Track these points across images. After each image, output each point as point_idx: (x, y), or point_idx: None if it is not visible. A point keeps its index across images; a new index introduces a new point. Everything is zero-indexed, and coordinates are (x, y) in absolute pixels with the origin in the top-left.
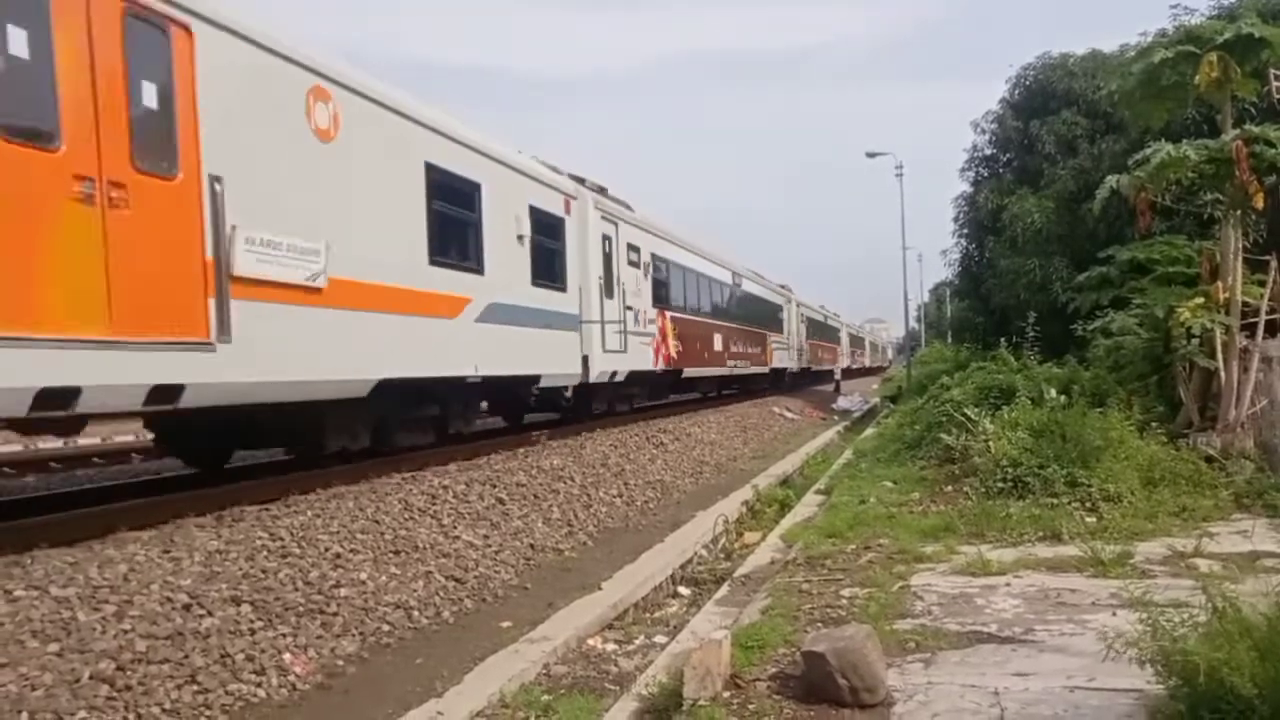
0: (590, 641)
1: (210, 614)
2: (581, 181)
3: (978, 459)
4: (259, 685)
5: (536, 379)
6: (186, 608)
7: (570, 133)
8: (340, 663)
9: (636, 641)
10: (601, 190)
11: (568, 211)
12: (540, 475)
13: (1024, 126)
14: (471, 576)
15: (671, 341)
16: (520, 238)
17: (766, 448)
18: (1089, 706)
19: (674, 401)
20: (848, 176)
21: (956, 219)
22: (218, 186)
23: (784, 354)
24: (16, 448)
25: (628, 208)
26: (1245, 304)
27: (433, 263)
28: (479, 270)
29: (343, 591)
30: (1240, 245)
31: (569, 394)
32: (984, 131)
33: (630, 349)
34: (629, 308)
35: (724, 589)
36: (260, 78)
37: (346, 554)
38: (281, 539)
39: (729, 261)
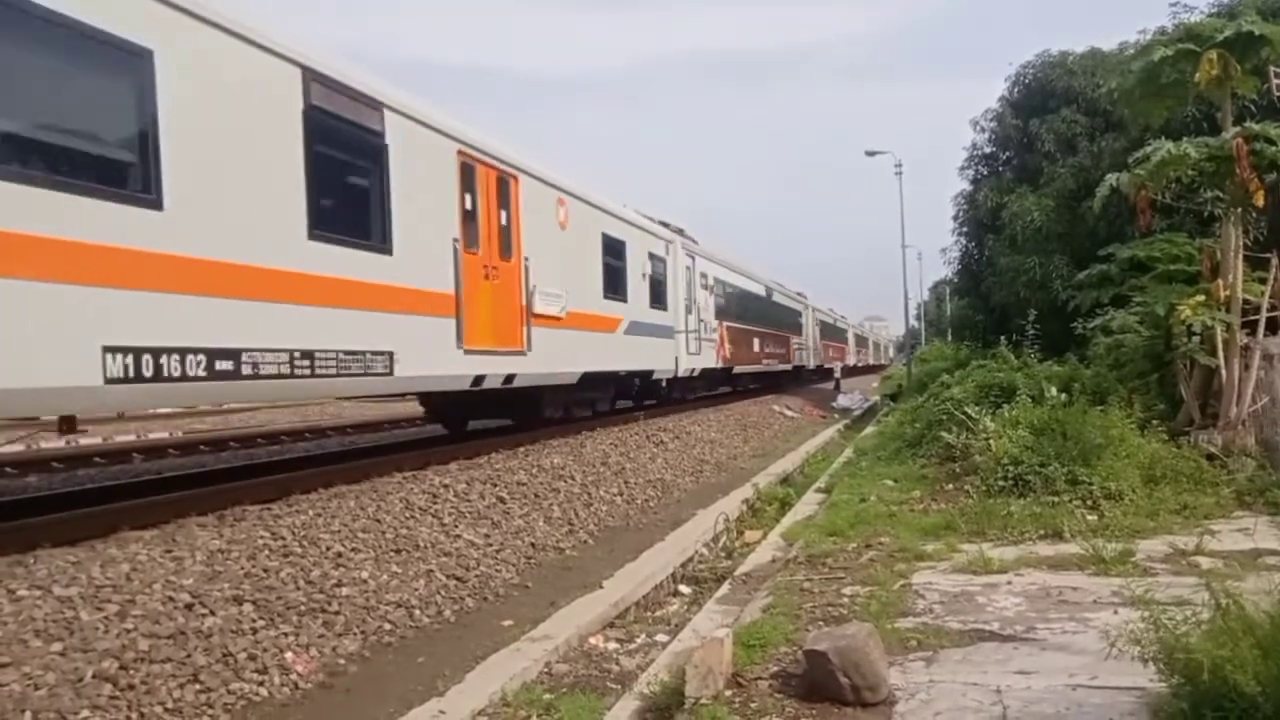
0: (592, 640)
1: (212, 613)
2: (666, 225)
3: (978, 457)
4: (261, 684)
5: (651, 373)
6: (189, 607)
7: (570, 132)
8: (342, 661)
9: (638, 640)
10: (681, 232)
11: (667, 253)
12: (541, 474)
13: (1023, 125)
14: (473, 575)
15: (727, 345)
16: (644, 275)
17: (767, 446)
18: (1091, 705)
19: (680, 400)
20: (847, 175)
21: (956, 217)
22: (527, 263)
23: (802, 353)
24: (19, 448)
25: (694, 241)
26: (1246, 301)
27: (605, 296)
28: (625, 300)
29: (344, 590)
30: (1241, 243)
31: (664, 384)
32: (983, 130)
33: (702, 352)
34: (701, 320)
35: (725, 587)
36: (543, 198)
37: (348, 553)
38: (283, 538)
39: (763, 278)
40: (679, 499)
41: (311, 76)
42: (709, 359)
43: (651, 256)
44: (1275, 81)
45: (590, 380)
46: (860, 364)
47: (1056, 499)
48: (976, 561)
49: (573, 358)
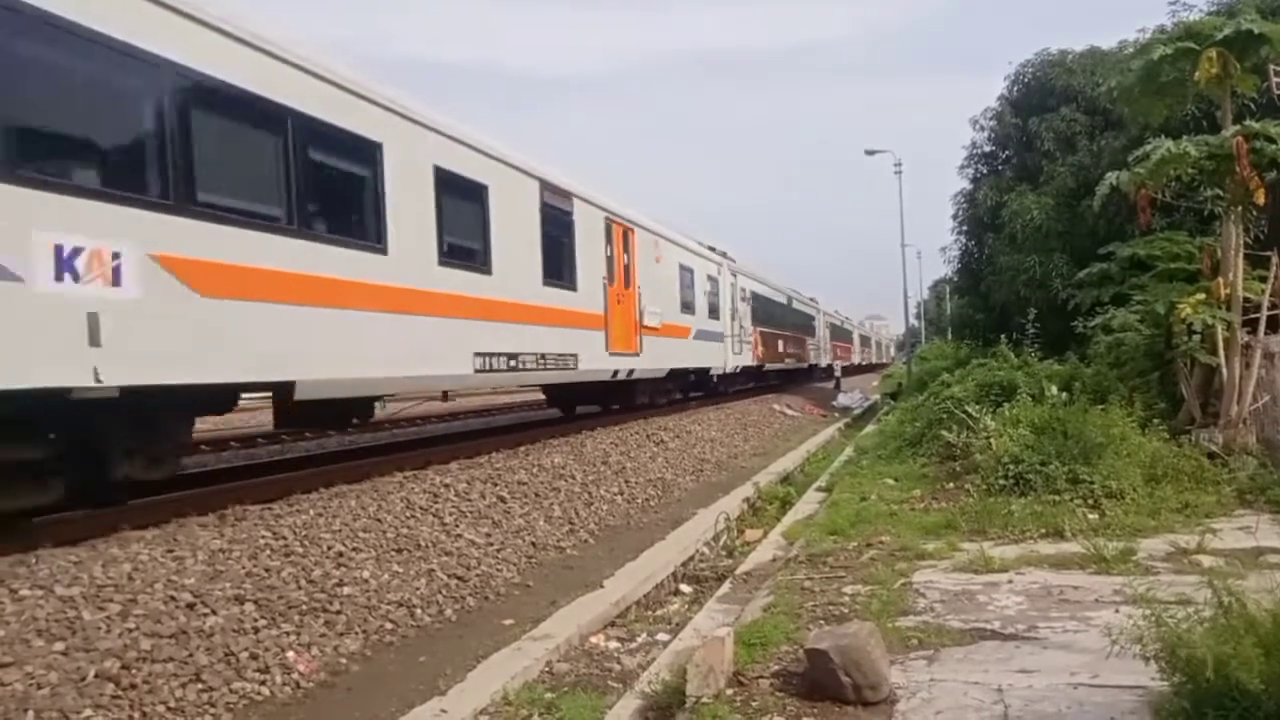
0: (593, 639)
1: (214, 612)
2: (713, 249)
3: (979, 456)
4: (263, 683)
5: (708, 370)
6: (190, 606)
7: (567, 131)
8: (344, 661)
9: (639, 639)
10: (725, 254)
11: (718, 274)
12: (541, 473)
13: (1023, 123)
14: (474, 574)
15: (760, 346)
16: (704, 293)
17: (767, 445)
18: (1093, 703)
19: (685, 399)
20: (847, 174)
21: (956, 216)
22: (640, 290)
23: (816, 352)
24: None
25: (733, 260)
26: (1246, 299)
27: (682, 311)
28: (693, 313)
29: (346, 590)
30: (1241, 241)
31: (715, 379)
32: (983, 129)
33: (743, 352)
34: (741, 326)
35: (726, 586)
36: (646, 242)
37: (349, 552)
38: (284, 538)
39: (784, 287)
40: (679, 498)
41: (543, 185)
42: (747, 358)
43: (709, 278)
44: (1275, 80)
45: (672, 375)
46: (864, 362)
47: (1057, 498)
48: (977, 560)
49: (664, 358)
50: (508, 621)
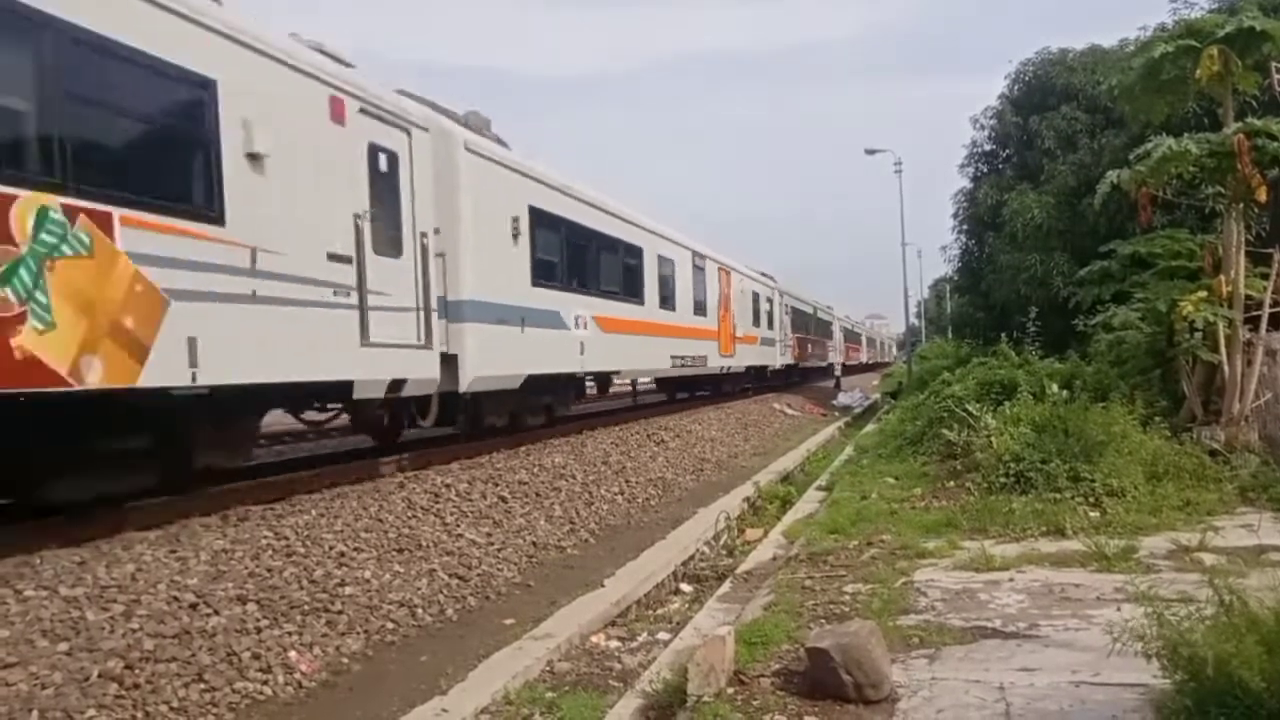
0: (594, 638)
1: (217, 613)
2: (764, 274)
3: (980, 454)
4: (265, 683)
5: (766, 368)
6: (193, 607)
7: (570, 133)
8: (345, 660)
9: (640, 638)
10: (772, 277)
11: (772, 294)
12: (542, 473)
13: (1023, 122)
14: (475, 574)
15: (795, 349)
16: (765, 310)
17: (767, 444)
18: (1094, 701)
19: (682, 399)
20: (847, 172)
21: (956, 215)
22: (734, 311)
23: (834, 353)
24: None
25: (774, 279)
26: (1248, 297)
27: (753, 323)
28: (759, 325)
29: (347, 590)
30: (1243, 238)
31: (769, 373)
32: (983, 127)
33: (785, 354)
34: (785, 333)
35: (726, 585)
36: (738, 279)
37: (351, 552)
38: (286, 538)
39: (813, 301)
40: (680, 497)
41: (694, 254)
42: (788, 357)
43: (766, 299)
44: (1276, 77)
45: (748, 370)
46: (871, 360)
47: (1058, 496)
48: (978, 559)
49: (745, 359)
50: (509, 621)
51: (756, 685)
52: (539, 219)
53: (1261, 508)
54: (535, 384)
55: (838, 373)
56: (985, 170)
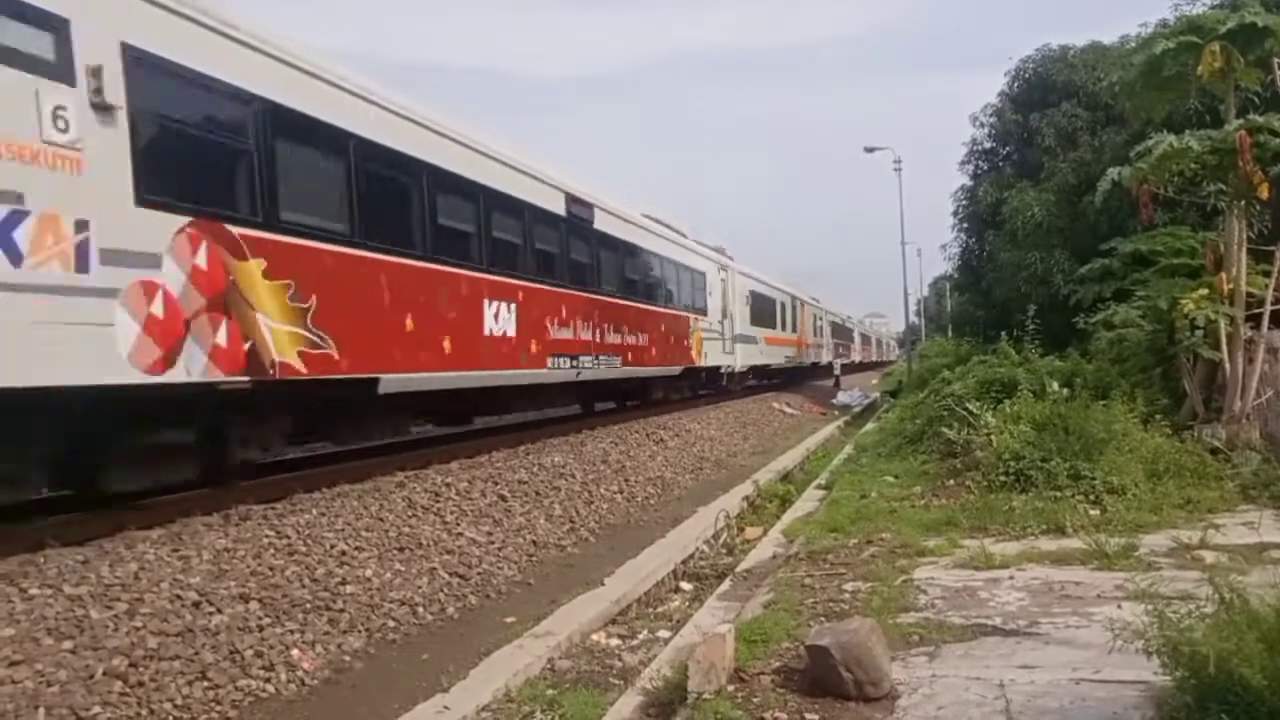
0: (594, 636)
1: (219, 611)
2: (815, 299)
3: (980, 453)
4: (268, 681)
5: (813, 363)
6: (196, 605)
7: (568, 133)
8: (347, 658)
9: (640, 636)
10: (812, 297)
11: (817, 310)
12: (541, 472)
13: (1023, 119)
14: (475, 573)
15: (828, 349)
16: (815, 324)
17: (766, 443)
18: (1095, 698)
19: (678, 400)
20: (846, 171)
21: (956, 213)
22: (805, 325)
23: (852, 352)
24: None
25: (817, 300)
26: (1250, 295)
27: (812, 334)
28: (795, 331)
29: (349, 588)
30: (1244, 236)
31: (810, 366)
32: (983, 125)
33: (821, 355)
34: (826, 339)
35: (726, 584)
36: (808, 306)
37: (352, 551)
38: (288, 537)
39: (839, 312)
40: (679, 496)
41: (793, 298)
42: (827, 357)
43: (814, 315)
44: (1279, 73)
45: (812, 366)
46: (878, 359)
47: (1059, 494)
48: (978, 557)
49: (809, 357)
50: (509, 619)
51: (757, 683)
52: (752, 295)
53: (1263, 505)
54: (756, 370)
55: (837, 372)
56: (985, 168)
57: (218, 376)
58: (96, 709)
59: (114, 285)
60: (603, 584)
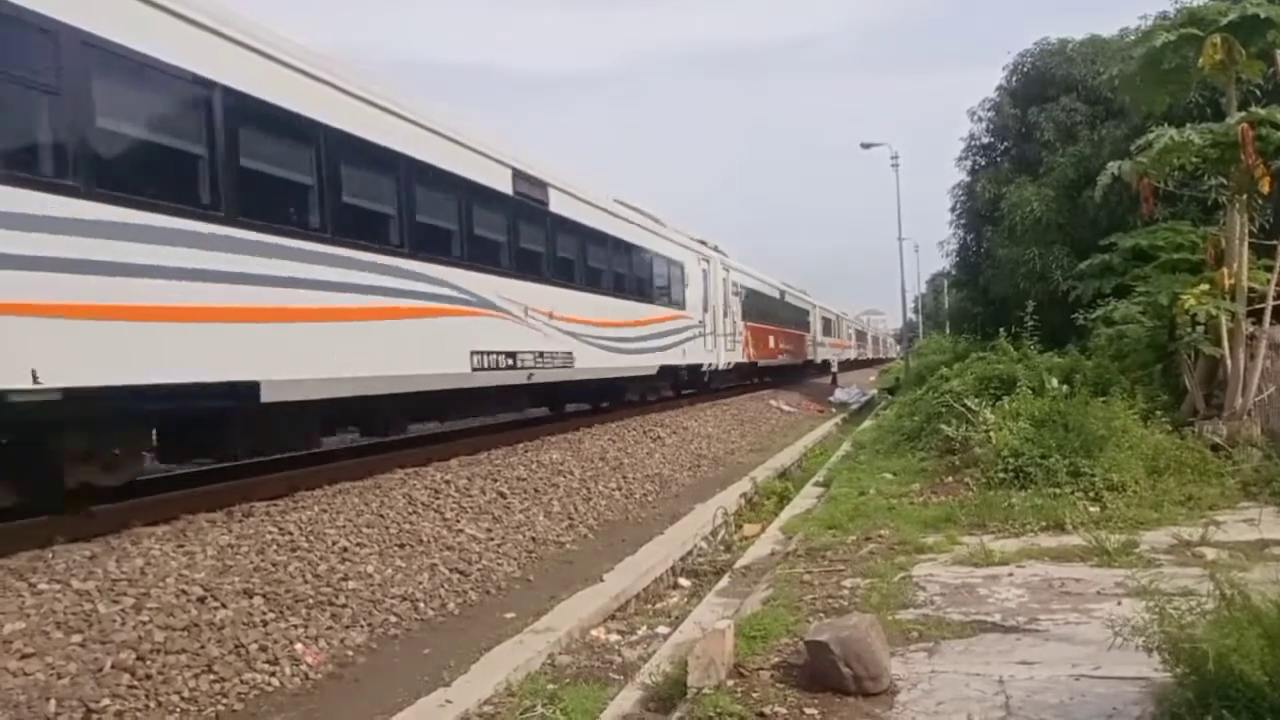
0: (593, 632)
1: (224, 606)
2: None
3: (978, 449)
4: (273, 674)
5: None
6: (201, 600)
7: (566, 129)
8: (350, 653)
9: (639, 632)
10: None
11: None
12: (540, 469)
13: (1022, 114)
14: (475, 569)
15: (852, 348)
16: (823, 325)
17: (764, 441)
18: (1095, 694)
19: (671, 397)
20: (843, 168)
21: (954, 209)
22: (818, 326)
23: (863, 350)
24: None
25: (835, 311)
26: (1251, 290)
27: (822, 333)
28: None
29: (351, 584)
30: (1246, 230)
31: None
32: (981, 120)
33: (821, 353)
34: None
35: (725, 580)
36: (824, 311)
37: (353, 547)
38: (290, 533)
39: (860, 319)
40: (677, 493)
41: (818, 308)
42: (823, 355)
43: (823, 319)
44: None
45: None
46: (878, 356)
47: (1058, 491)
48: (977, 553)
49: (827, 354)
50: (509, 615)
51: (756, 678)
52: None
53: (1264, 502)
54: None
55: (834, 369)
56: (983, 163)
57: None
58: (106, 701)
59: None
60: (602, 580)
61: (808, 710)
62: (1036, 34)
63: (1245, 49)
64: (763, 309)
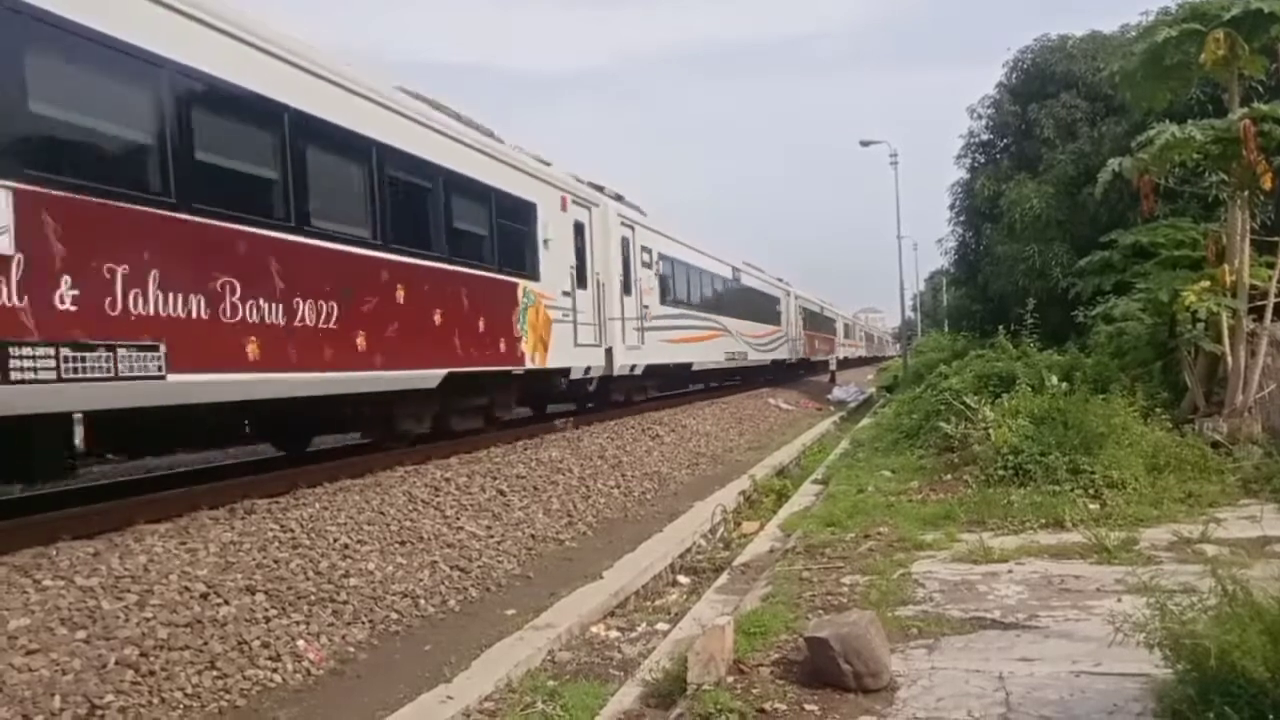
0: (593, 629)
1: (227, 602)
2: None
3: (977, 447)
4: (275, 671)
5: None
6: (204, 596)
7: (563, 130)
8: (352, 649)
9: (639, 629)
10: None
11: (852, 318)
12: (539, 467)
13: (1022, 111)
14: (475, 566)
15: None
16: (841, 325)
17: (762, 439)
18: (1095, 691)
19: (668, 395)
20: (841, 167)
21: (953, 206)
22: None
23: (871, 346)
24: None
25: (778, 278)
26: (1253, 287)
27: (807, 329)
28: (835, 334)
29: (352, 581)
30: (1247, 227)
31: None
32: (980, 117)
33: (800, 350)
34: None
35: (724, 577)
36: (830, 312)
37: (354, 545)
38: (292, 530)
39: (867, 322)
40: (675, 491)
41: (847, 320)
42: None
43: (845, 325)
44: None
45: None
46: (869, 355)
47: (1057, 488)
48: (977, 550)
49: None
50: (510, 611)
51: (756, 674)
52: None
53: (1265, 499)
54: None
55: (833, 367)
56: (983, 160)
57: None
58: (110, 697)
59: None
60: (601, 577)
61: (808, 706)
62: (1037, 30)
63: (1248, 44)
64: (868, 335)
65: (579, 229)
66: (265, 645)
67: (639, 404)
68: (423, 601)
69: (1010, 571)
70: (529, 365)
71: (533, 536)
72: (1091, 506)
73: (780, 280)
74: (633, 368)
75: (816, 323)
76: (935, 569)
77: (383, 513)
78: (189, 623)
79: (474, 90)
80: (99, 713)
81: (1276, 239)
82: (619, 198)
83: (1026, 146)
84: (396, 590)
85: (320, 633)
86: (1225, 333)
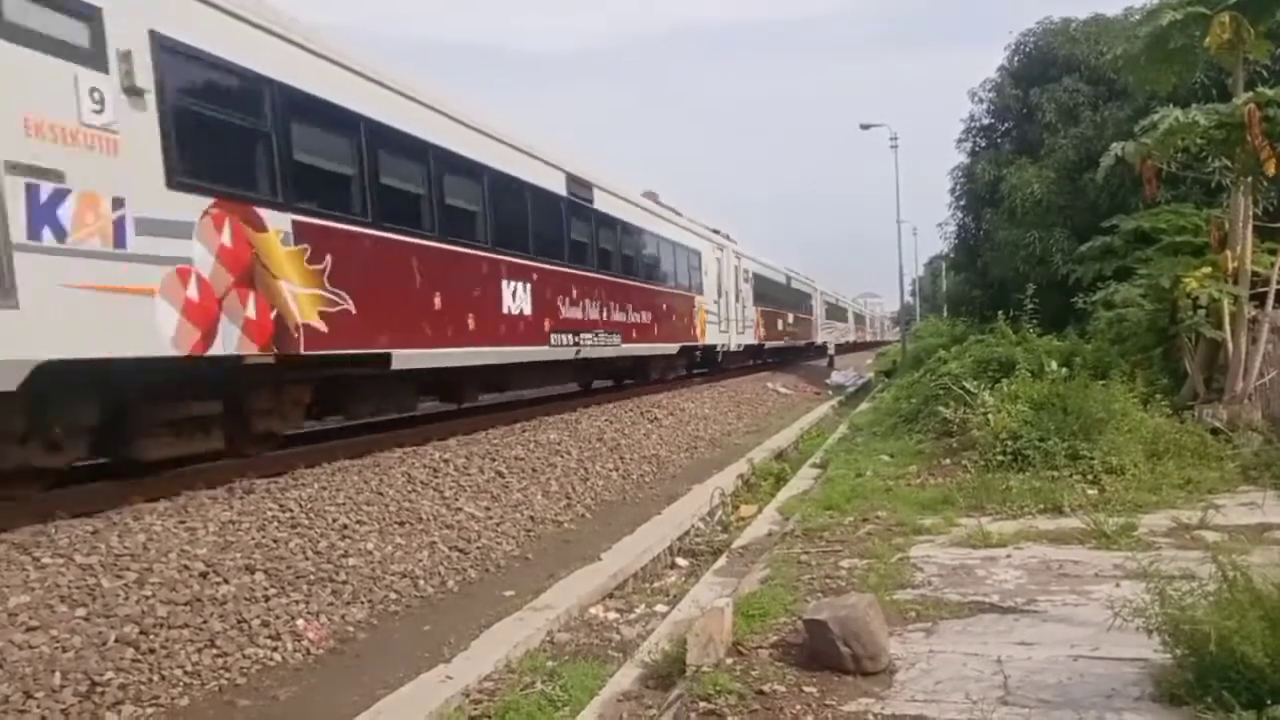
0: (592, 610)
1: (226, 581)
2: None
3: (976, 432)
4: (275, 649)
5: (795, 347)
6: (203, 575)
7: (569, 109)
8: (351, 629)
9: (637, 610)
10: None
11: (863, 307)
12: (538, 449)
13: (1023, 95)
14: (474, 547)
15: (866, 333)
16: (853, 314)
17: (761, 423)
18: (1093, 675)
19: (668, 381)
20: (840, 151)
21: (953, 191)
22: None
23: (874, 332)
24: None
25: (807, 278)
26: (1255, 273)
27: (829, 319)
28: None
29: (351, 561)
30: (1250, 213)
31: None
32: (982, 101)
33: (821, 336)
34: (820, 320)
35: (722, 560)
36: (842, 303)
37: (353, 525)
38: (291, 510)
39: (871, 310)
40: (674, 474)
41: (858, 316)
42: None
43: (855, 314)
44: None
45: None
46: (871, 339)
47: (1056, 474)
48: (975, 535)
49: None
50: (509, 593)
51: (755, 656)
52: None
53: (1264, 486)
54: (752, 350)
55: (831, 352)
56: (983, 145)
57: None
58: (110, 674)
59: None
60: (600, 559)
61: (806, 688)
62: (1040, 13)
63: (1253, 28)
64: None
65: (717, 261)
66: (265, 624)
67: (637, 387)
68: (422, 582)
69: (1009, 556)
70: (700, 343)
71: (531, 518)
72: (1090, 492)
73: (809, 279)
74: (738, 346)
75: (833, 313)
76: (934, 553)
77: (381, 493)
78: (188, 601)
79: (485, 72)
80: (99, 690)
81: (1279, 225)
82: (722, 233)
83: (1028, 131)
84: (395, 570)
85: (320, 612)
86: (1226, 319)
